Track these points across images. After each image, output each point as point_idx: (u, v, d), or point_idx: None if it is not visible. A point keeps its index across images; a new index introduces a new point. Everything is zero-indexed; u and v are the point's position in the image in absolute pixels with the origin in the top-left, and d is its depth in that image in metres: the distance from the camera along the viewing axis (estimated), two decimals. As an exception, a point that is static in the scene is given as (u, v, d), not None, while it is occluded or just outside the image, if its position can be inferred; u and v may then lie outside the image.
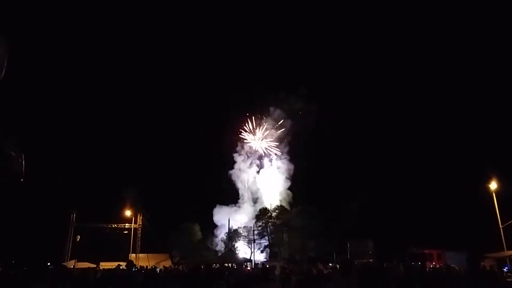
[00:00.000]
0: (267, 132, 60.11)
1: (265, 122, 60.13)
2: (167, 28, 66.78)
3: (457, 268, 12.21)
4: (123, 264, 15.08)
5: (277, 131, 59.59)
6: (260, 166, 60.06)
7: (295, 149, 56.50)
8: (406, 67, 55.13)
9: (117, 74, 56.43)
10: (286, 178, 57.20)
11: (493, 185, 26.01)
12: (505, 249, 23.83)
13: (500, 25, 44.45)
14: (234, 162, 58.94)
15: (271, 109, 59.65)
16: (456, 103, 48.74)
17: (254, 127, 60.12)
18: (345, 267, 5.09)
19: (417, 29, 56.74)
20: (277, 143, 59.68)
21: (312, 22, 67.25)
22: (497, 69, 44.89)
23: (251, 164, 59.60)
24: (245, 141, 59.81)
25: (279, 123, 59.44)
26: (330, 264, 26.36)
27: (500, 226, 24.93)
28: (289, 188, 56.54)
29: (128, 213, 39.88)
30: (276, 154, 59.55)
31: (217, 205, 53.60)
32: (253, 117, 60.00)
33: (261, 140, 60.10)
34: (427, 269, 16.00)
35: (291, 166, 57.14)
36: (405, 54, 56.54)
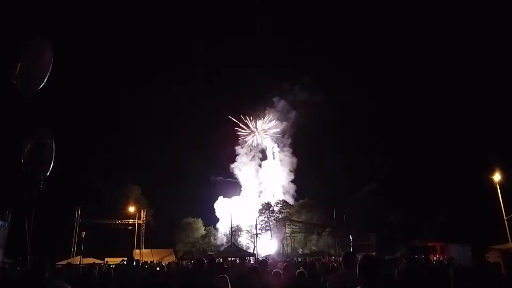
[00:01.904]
0: (270, 124, 59.67)
1: (268, 114, 59.61)
2: (166, 20, 66.26)
3: (458, 260, 12.15)
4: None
5: (281, 122, 59.02)
6: (263, 159, 59.82)
7: (299, 141, 56.23)
8: (412, 57, 54.60)
9: (118, 71, 56.23)
10: (290, 171, 56.94)
11: (497, 177, 25.91)
12: (510, 241, 23.77)
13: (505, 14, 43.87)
14: (237, 155, 58.84)
15: (275, 99, 59.08)
16: (458, 95, 48.43)
17: (257, 119, 59.68)
18: (348, 260, 5.10)
19: (425, 17, 55.98)
20: (281, 136, 59.30)
21: (317, 9, 65.24)
22: (503, 61, 44.31)
23: (253, 157, 59.37)
24: (247, 133, 59.48)
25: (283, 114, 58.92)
26: (333, 258, 26.45)
27: (505, 218, 24.83)
28: (292, 181, 56.42)
29: (132, 209, 40.22)
30: (278, 147, 59.23)
31: (220, 197, 53.61)
32: (256, 109, 59.42)
33: (264, 132, 59.64)
34: (431, 262, 15.97)
35: (294, 159, 56.91)
36: (412, 43, 55.92)
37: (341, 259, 5.34)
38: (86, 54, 51.58)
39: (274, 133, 59.59)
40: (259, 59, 63.46)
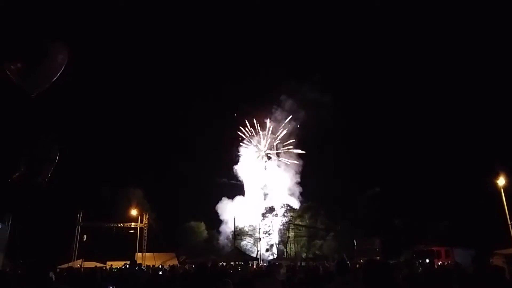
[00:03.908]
0: (276, 125, 58.58)
1: (275, 112, 58.14)
2: (172, 22, 66.19)
3: (462, 265, 12.00)
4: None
5: (289, 122, 57.43)
6: (268, 160, 58.77)
7: (305, 143, 55.36)
8: (419, 59, 54.26)
9: (120, 73, 56.25)
10: (295, 172, 56.29)
11: (501, 181, 25.74)
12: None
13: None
14: (241, 155, 58.13)
15: (282, 97, 57.69)
16: (463, 99, 48.24)
17: (263, 119, 58.36)
18: (341, 268, 5.06)
19: (431, 17, 55.55)
20: (287, 136, 58.12)
21: (328, 4, 64.00)
22: (508, 65, 44.01)
23: (258, 157, 58.48)
24: (252, 135, 58.73)
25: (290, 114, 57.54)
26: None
27: (509, 223, 24.64)
28: (298, 183, 55.78)
29: (134, 212, 40.11)
30: (284, 147, 58.27)
31: (223, 198, 53.23)
32: (263, 108, 57.95)
33: (270, 134, 58.63)
34: (435, 267, 15.84)
35: (300, 161, 55.88)
36: (417, 44, 55.63)
37: (335, 266, 5.29)
38: (95, 56, 51.74)
39: (280, 134, 58.58)
40: (267, 55, 62.21)
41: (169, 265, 24.75)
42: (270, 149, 59.15)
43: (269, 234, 48.67)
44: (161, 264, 30.37)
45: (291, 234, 47.73)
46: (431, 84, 54.38)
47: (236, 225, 46.33)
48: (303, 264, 28.33)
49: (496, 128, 42.57)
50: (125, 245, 38.66)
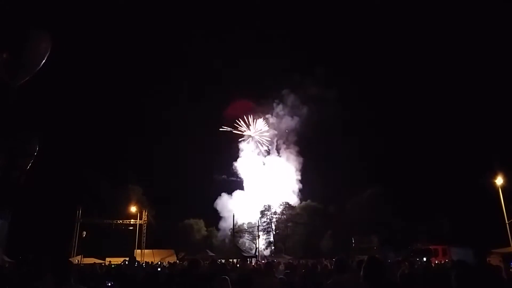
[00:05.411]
0: (277, 120, 58.24)
1: (277, 107, 57.95)
2: (171, 14, 65.55)
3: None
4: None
5: (292, 118, 57.33)
6: (267, 155, 58.82)
7: (306, 139, 55.11)
8: (418, 59, 54.14)
9: (120, 70, 56.02)
10: (296, 169, 56.13)
11: (499, 180, 25.83)
12: (511, 245, 23.70)
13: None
14: (240, 151, 58.17)
15: (284, 92, 57.13)
16: (461, 98, 48.27)
17: (259, 116, 58.12)
18: (341, 265, 5.09)
19: (431, 15, 55.23)
20: (286, 133, 57.93)
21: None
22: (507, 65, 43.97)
23: (258, 154, 58.51)
24: (244, 134, 58.53)
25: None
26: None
27: (506, 222, 24.76)
28: (298, 180, 55.79)
29: (133, 209, 40.21)
30: (284, 144, 58.09)
31: (223, 193, 53.25)
32: (264, 103, 57.79)
33: (261, 133, 58.41)
34: (433, 265, 15.91)
35: (300, 158, 55.88)
36: (424, 43, 55.35)
37: (333, 264, 5.32)
38: (92, 51, 51.66)
39: (281, 130, 58.29)
40: (268, 50, 61.70)
41: (168, 262, 24.82)
42: (271, 146, 59.08)
43: (268, 232, 48.78)
44: (160, 261, 30.46)
45: (290, 231, 47.86)
46: (430, 84, 54.38)
47: (235, 221, 46.46)
48: (301, 261, 28.40)
49: (494, 128, 42.68)
50: (124, 241, 38.78)
